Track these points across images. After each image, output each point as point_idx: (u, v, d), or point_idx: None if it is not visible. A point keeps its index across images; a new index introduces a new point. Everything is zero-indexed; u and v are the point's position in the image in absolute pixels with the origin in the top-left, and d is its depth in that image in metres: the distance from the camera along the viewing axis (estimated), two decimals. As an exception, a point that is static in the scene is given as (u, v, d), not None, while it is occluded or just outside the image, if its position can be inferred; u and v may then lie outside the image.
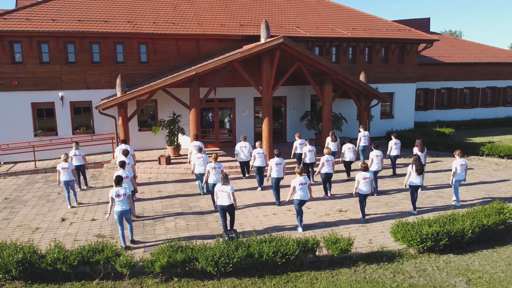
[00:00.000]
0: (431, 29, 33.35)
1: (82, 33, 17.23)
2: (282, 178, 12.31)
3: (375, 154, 13.14)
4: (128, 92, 15.76)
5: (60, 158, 12.34)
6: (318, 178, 14.43)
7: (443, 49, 28.53)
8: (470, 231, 8.93)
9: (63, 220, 11.22)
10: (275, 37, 15.27)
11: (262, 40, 15.47)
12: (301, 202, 10.06)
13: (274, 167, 12.14)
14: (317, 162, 14.25)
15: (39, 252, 8.08)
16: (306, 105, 21.37)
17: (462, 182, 12.33)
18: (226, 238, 8.82)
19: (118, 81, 15.88)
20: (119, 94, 15.90)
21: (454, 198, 12.20)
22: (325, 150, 12.74)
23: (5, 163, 17.42)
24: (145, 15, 19.21)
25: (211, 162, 11.62)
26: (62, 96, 17.75)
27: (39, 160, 17.33)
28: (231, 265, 7.75)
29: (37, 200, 13.06)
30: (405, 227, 8.91)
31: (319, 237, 9.00)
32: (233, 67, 16.22)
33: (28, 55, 17.16)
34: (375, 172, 13.19)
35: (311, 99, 21.44)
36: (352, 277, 7.97)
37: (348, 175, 14.96)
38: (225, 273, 7.94)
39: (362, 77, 19.06)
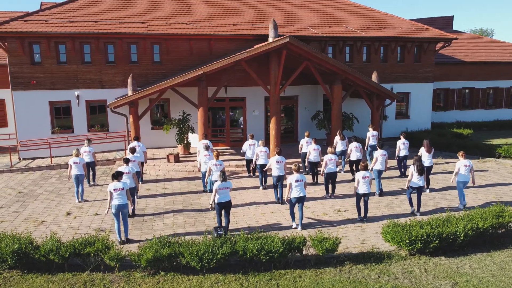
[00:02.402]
0: (459, 28, 32.67)
1: (97, 34, 17.80)
2: (283, 175, 12.37)
3: (380, 153, 12.92)
4: (138, 91, 16.17)
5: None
6: (322, 179, 14.37)
7: (465, 48, 27.78)
8: (463, 234, 8.74)
9: (68, 214, 11.68)
10: (281, 37, 15.31)
11: (270, 40, 15.57)
12: (298, 199, 10.13)
13: (274, 164, 12.28)
14: (321, 162, 14.22)
15: (34, 243, 8.47)
16: (318, 105, 21.29)
17: (469, 185, 12.03)
18: (215, 234, 8.98)
19: (129, 80, 16.33)
20: (130, 93, 16.33)
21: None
22: (329, 150, 12.79)
23: (24, 159, 18.21)
24: (159, 16, 19.63)
25: (213, 159, 12.01)
26: (78, 95, 18.40)
27: (55, 157, 18.03)
28: (214, 261, 7.89)
29: (48, 194, 13.62)
30: (395, 228, 8.81)
31: (307, 236, 9.01)
32: (243, 67, 16.37)
33: (46, 55, 17.87)
34: (379, 172, 13.02)
35: (324, 99, 21.32)
36: (336, 277, 7.96)
37: (353, 175, 14.83)
38: (210, 268, 8.09)
39: (374, 77, 18.82)
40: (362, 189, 10.62)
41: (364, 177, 10.62)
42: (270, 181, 14.03)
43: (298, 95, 20.81)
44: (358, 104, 21.53)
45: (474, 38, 30.74)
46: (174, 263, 8.28)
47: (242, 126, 20.28)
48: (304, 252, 8.62)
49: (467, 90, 27.43)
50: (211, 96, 16.52)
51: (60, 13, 18.55)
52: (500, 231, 9.81)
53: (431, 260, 8.67)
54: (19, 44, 17.38)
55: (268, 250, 8.01)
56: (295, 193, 10.08)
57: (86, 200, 12.91)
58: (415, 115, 23.14)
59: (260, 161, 13.69)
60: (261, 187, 13.88)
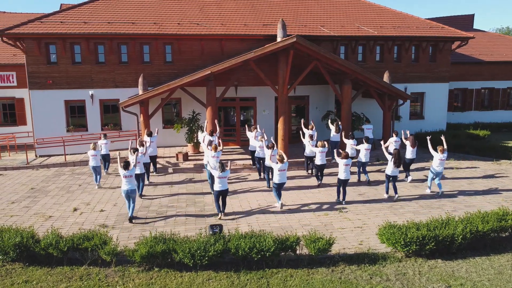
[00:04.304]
0: (485, 27, 31.86)
1: (111, 35, 18.18)
2: None
3: (364, 147, 14.17)
4: (148, 91, 16.45)
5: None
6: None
7: (484, 47, 27.08)
8: (461, 236, 8.58)
9: (75, 210, 12.02)
10: (289, 37, 15.31)
11: (278, 40, 15.59)
12: (279, 185, 11.74)
13: (268, 157, 13.21)
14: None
15: (36, 237, 8.77)
16: (329, 105, 21.17)
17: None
18: (211, 232, 9.09)
19: (140, 79, 16.62)
20: (140, 93, 16.63)
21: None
22: (319, 143, 13.77)
23: (40, 156, 18.77)
24: (171, 16, 19.91)
25: (211, 151, 13.00)
26: (92, 94, 18.86)
27: (70, 154, 18.51)
28: (207, 258, 8.01)
29: (59, 191, 14.03)
30: (390, 229, 8.73)
31: (301, 236, 9.01)
32: (252, 67, 16.43)
33: (62, 55, 18.37)
34: (364, 164, 14.29)
35: (335, 99, 21.17)
36: (327, 277, 7.95)
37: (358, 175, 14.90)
38: (203, 265, 8.20)
39: (386, 77, 18.60)
40: (343, 176, 12.02)
41: (345, 165, 12.03)
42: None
43: (309, 95, 20.74)
44: (372, 105, 21.27)
45: (494, 37, 29.91)
46: (169, 260, 8.43)
47: (252, 126, 20.36)
48: (298, 252, 8.64)
49: (486, 90, 26.73)
50: (220, 95, 16.66)
51: (76, 15, 19.05)
52: (503, 235, 9.59)
53: (427, 262, 8.55)
54: (36, 44, 17.94)
55: (260, 249, 8.07)
56: (277, 179, 11.60)
57: (101, 187, 14.19)
58: (430, 116, 22.71)
59: (259, 154, 14.67)
60: (262, 174, 14.76)
